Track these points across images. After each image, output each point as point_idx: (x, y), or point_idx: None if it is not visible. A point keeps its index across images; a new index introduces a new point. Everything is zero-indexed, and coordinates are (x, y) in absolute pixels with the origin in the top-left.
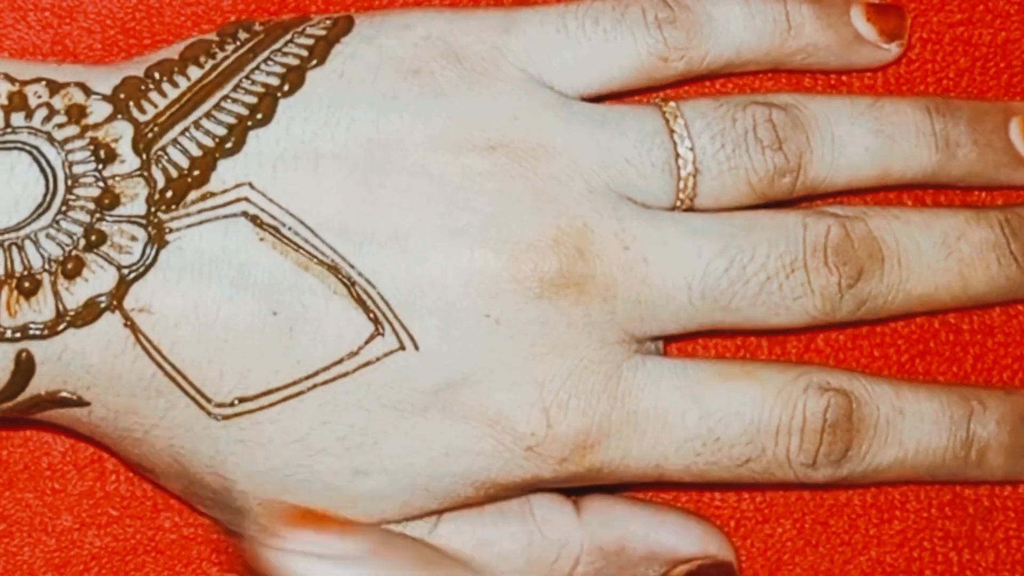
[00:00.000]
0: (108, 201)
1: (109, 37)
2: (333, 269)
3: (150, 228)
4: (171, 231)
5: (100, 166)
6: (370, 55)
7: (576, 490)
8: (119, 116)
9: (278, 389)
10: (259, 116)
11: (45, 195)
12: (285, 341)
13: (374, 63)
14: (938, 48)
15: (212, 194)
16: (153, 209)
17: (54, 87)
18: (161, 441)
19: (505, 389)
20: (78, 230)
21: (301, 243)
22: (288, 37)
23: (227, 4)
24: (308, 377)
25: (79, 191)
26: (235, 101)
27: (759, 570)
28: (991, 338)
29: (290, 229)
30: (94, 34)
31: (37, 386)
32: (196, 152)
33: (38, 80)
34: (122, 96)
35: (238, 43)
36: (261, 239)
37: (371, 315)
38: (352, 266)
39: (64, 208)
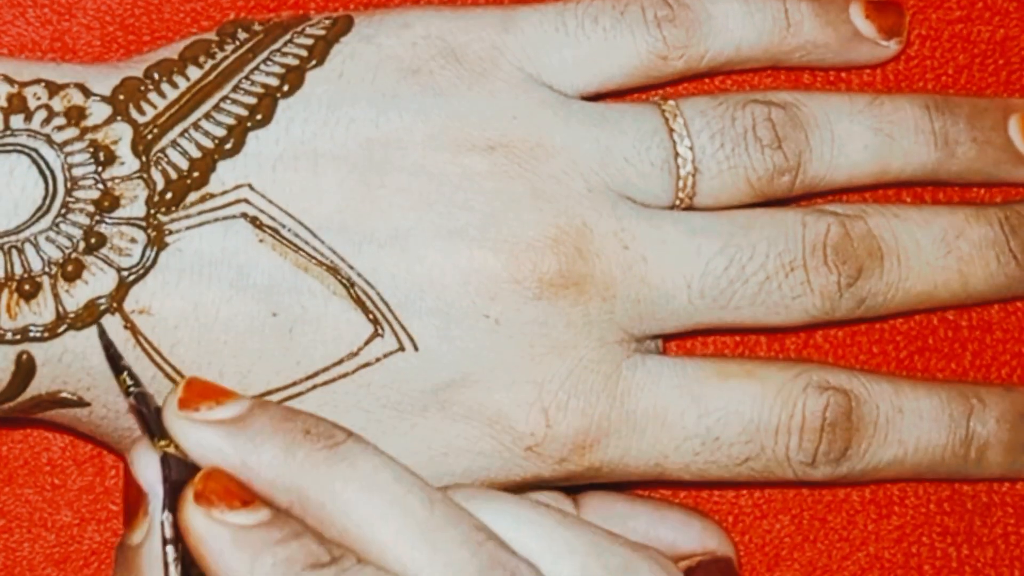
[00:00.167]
0: (108, 203)
1: (108, 34)
2: (332, 270)
3: (150, 230)
4: (171, 233)
5: (99, 168)
6: (369, 54)
7: (576, 487)
8: (118, 118)
9: (278, 390)
10: (258, 117)
11: (44, 198)
12: (285, 342)
13: (373, 62)
14: (937, 45)
15: (211, 195)
16: (153, 211)
17: (53, 88)
18: None
19: (504, 389)
20: (78, 232)
21: (300, 244)
22: (287, 37)
23: (226, 1)
24: (308, 378)
25: (79, 193)
26: (234, 102)
27: (758, 565)
28: (990, 335)
29: (289, 230)
30: (93, 31)
31: (37, 387)
32: (195, 153)
33: (37, 81)
34: (121, 97)
35: (237, 43)
36: (260, 240)
37: (371, 316)
38: (351, 267)
39: (64, 210)
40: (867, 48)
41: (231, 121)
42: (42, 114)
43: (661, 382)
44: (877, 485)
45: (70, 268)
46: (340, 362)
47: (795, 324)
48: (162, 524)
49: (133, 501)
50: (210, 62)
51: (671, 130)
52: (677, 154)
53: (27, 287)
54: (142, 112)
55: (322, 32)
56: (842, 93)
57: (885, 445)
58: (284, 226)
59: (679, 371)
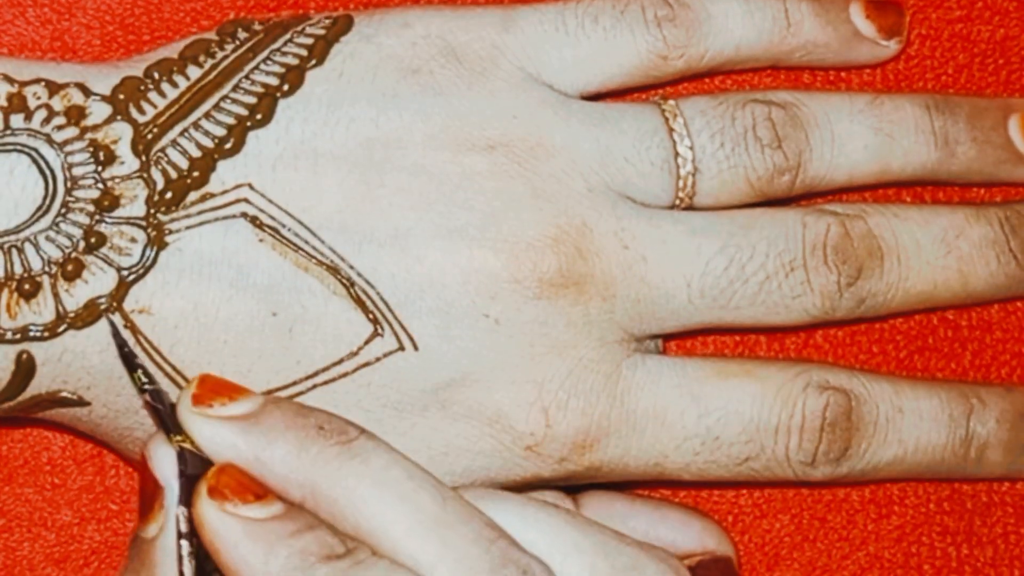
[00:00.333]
0: (107, 203)
1: (108, 33)
2: (332, 269)
3: (149, 230)
4: (170, 232)
5: (99, 168)
6: (369, 54)
7: (576, 487)
8: (118, 117)
9: (278, 389)
10: (258, 116)
11: (44, 197)
12: (285, 342)
13: (373, 62)
14: (937, 45)
15: (211, 195)
16: (152, 211)
17: (53, 88)
18: None
19: (504, 388)
20: (78, 232)
21: (300, 244)
22: (287, 36)
23: (226, 1)
24: (308, 377)
25: (78, 193)
26: (234, 101)
27: (757, 565)
28: (990, 335)
29: (289, 230)
30: (93, 30)
31: (38, 386)
32: (195, 153)
33: (37, 81)
34: (121, 97)
35: (237, 42)
36: (260, 240)
37: (370, 316)
38: (351, 266)
39: (64, 210)
40: (867, 48)
41: (231, 121)
42: (42, 113)
43: (661, 382)
44: (877, 485)
45: (70, 268)
46: (340, 362)
47: (795, 324)
48: (177, 518)
49: (149, 495)
50: (210, 61)
51: (671, 130)
52: (677, 154)
53: (27, 287)
54: (142, 111)
55: (322, 32)
56: (842, 93)
57: (885, 445)
58: (284, 226)
59: (679, 371)
